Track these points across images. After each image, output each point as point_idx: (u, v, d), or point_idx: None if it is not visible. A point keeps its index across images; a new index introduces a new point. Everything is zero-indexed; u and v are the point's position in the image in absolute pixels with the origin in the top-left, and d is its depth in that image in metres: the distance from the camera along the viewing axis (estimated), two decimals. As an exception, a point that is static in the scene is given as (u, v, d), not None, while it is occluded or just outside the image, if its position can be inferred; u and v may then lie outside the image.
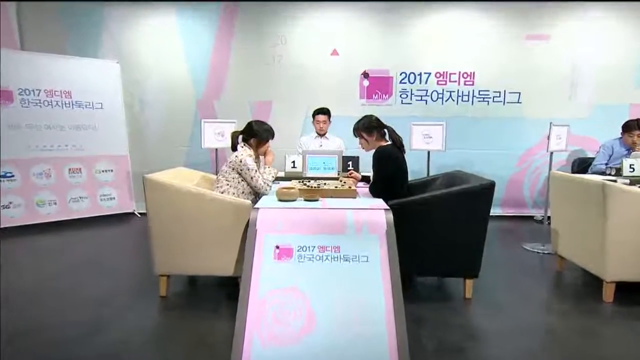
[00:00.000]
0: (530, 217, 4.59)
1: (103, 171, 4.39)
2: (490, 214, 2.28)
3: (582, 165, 4.05)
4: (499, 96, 4.53)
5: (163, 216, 2.21)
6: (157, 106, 4.60)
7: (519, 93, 4.50)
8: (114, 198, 4.44)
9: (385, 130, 2.48)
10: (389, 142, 2.47)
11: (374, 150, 2.43)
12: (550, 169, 3.40)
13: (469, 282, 2.35)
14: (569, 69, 4.46)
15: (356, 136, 2.54)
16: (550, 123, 3.37)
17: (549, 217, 3.19)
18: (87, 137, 4.27)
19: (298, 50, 4.53)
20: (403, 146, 2.46)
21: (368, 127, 2.45)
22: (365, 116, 2.52)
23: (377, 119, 2.49)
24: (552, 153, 3.45)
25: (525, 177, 4.61)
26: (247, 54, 4.54)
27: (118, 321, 2.10)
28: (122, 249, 3.47)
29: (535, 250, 3.38)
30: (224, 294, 2.45)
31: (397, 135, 2.45)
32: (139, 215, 4.50)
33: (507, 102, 4.52)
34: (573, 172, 4.06)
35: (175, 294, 2.44)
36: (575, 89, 4.48)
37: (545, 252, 3.32)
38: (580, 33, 4.42)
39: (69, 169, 4.20)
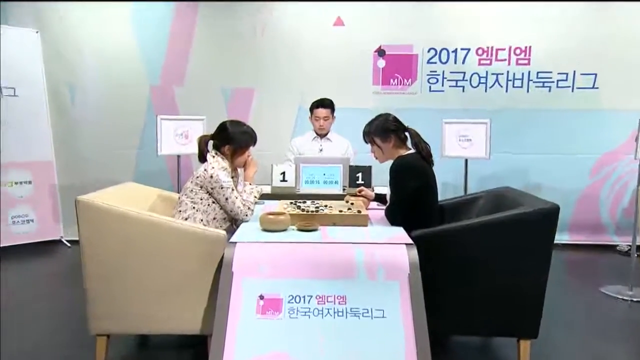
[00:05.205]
0: (612, 247, 4.64)
1: (16, 183, 4.44)
2: (554, 242, 2.31)
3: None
4: (566, 79, 4.61)
5: (103, 252, 2.24)
6: (94, 94, 4.67)
7: (595, 75, 4.57)
8: (31, 221, 4.49)
9: (407, 133, 2.54)
10: (411, 150, 2.53)
11: (391, 162, 2.49)
12: (640, 181, 3.45)
13: (525, 344, 2.37)
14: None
15: (367, 142, 2.61)
16: (641, 118, 3.43)
17: (639, 248, 3.23)
18: (-8, 136, 4.31)
19: (289, 19, 4.61)
20: (431, 155, 2.52)
21: (383, 130, 2.51)
22: (379, 115, 2.59)
23: (395, 119, 2.55)
24: (642, 159, 3.50)
25: (604, 191, 4.68)
26: (220, 24, 4.62)
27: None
28: (42, 293, 3.46)
29: (620, 297, 3.39)
30: (188, 359, 2.47)
31: (423, 141, 2.51)
32: (68, 245, 4.53)
33: (578, 88, 4.60)
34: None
35: None
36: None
37: (635, 299, 3.34)
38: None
39: (-33, 181, 4.24)
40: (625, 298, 3.37)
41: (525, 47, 4.60)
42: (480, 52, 4.62)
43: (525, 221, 2.25)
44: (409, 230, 2.28)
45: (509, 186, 2.93)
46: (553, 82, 4.62)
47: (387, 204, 2.59)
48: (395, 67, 4.65)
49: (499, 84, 4.64)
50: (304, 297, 1.92)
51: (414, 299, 1.90)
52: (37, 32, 4.49)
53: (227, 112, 4.60)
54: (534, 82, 4.63)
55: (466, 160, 3.97)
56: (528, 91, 4.64)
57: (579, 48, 4.56)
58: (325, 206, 2.66)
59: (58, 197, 4.61)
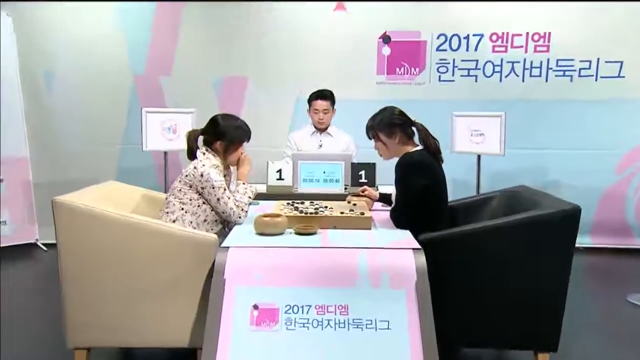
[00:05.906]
0: (639, 251, 4.64)
1: (-13, 182, 4.44)
2: (575, 245, 2.30)
3: None
4: (589, 67, 4.61)
5: (82, 258, 2.24)
6: (73, 84, 4.66)
7: (621, 63, 4.56)
8: (4, 222, 4.49)
9: (414, 128, 2.54)
10: (419, 146, 2.54)
11: (396, 159, 2.49)
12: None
13: (544, 358, 2.39)
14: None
15: (370, 137, 2.61)
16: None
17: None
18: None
19: (287, 3, 4.60)
20: (440, 151, 2.53)
21: (388, 124, 2.51)
22: (384, 109, 2.59)
23: (401, 113, 2.55)
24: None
25: (630, 189, 4.67)
26: (210, 8, 4.61)
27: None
28: (15, 302, 3.46)
29: (648, 306, 3.41)
30: (175, 374, 2.50)
31: (432, 136, 2.52)
32: (44, 249, 4.55)
33: (602, 77, 4.60)
34: None
35: (101, 376, 2.48)
36: None
37: (663, 308, 3.35)
38: None
39: None
40: (653, 308, 3.37)
41: (544, 33, 4.59)
42: (494, 38, 4.61)
43: (544, 223, 2.25)
44: (416, 234, 2.29)
45: (526, 185, 2.94)
46: (575, 70, 4.61)
47: (393, 205, 2.60)
48: (402, 55, 4.65)
49: (515, 73, 4.64)
50: (302, 306, 1.92)
51: (421, 308, 1.91)
52: (8, 14, 4.47)
53: (219, 104, 4.60)
54: (553, 70, 4.62)
55: (479, 157, 3.97)
56: (547, 81, 4.63)
57: (603, 33, 4.54)
58: (326, 207, 2.67)
59: (33, 196, 4.61)
